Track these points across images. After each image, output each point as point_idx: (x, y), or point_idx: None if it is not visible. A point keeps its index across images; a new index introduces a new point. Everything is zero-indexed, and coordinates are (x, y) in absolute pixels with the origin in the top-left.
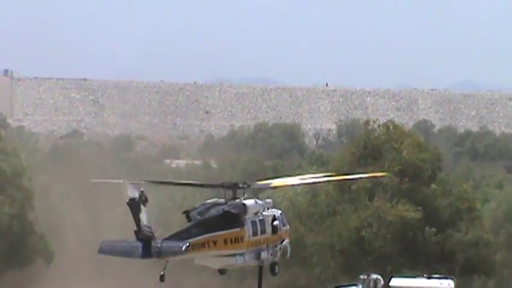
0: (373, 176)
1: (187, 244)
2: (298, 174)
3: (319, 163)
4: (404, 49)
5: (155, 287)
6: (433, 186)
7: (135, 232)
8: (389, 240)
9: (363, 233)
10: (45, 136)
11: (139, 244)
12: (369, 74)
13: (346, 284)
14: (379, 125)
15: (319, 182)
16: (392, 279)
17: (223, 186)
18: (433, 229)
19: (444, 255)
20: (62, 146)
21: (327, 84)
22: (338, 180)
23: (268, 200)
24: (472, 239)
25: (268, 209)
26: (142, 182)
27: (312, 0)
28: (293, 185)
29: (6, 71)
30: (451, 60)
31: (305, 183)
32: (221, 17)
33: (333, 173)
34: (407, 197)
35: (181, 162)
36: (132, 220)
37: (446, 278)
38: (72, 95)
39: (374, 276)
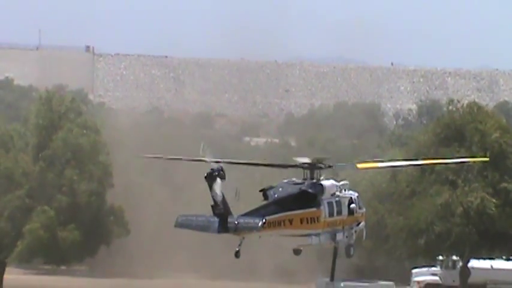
0: (469, 161)
1: (264, 220)
2: (378, 156)
3: (399, 143)
4: (486, 29)
5: (232, 262)
6: None
7: (212, 207)
8: (468, 222)
9: (442, 215)
10: (126, 112)
11: (216, 219)
12: (450, 55)
13: (425, 264)
14: (462, 105)
15: (408, 166)
16: (471, 261)
17: (301, 166)
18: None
19: None
20: (142, 123)
21: (392, 64)
22: (429, 164)
23: (345, 182)
24: None
25: (345, 190)
26: (220, 161)
27: None
28: (375, 168)
29: (87, 47)
30: None
31: (390, 167)
32: None
33: (416, 156)
34: (490, 181)
35: (261, 140)
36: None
37: None
38: (153, 71)
39: (452, 257)
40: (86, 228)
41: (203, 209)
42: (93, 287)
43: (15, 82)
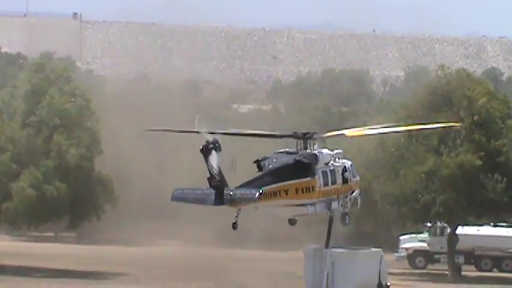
0: (446, 127)
1: (261, 191)
2: (366, 123)
3: (386, 110)
4: None
5: (218, 230)
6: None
7: (208, 179)
8: (455, 188)
9: (428, 182)
10: (113, 80)
11: (212, 191)
12: (437, 21)
13: (413, 231)
14: (451, 72)
15: (392, 132)
16: (459, 228)
17: (294, 136)
18: (500, 177)
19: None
20: (130, 90)
21: (374, 31)
22: (411, 130)
23: (339, 151)
24: None
25: (338, 159)
26: (211, 132)
27: None
28: (366, 135)
29: (75, 14)
30: None
31: (378, 133)
32: None
33: (405, 122)
34: (478, 144)
35: (249, 107)
36: (199, 165)
37: None
38: (141, 39)
39: (440, 224)
40: (75, 192)
41: (191, 178)
42: (81, 254)
43: (3, 49)
